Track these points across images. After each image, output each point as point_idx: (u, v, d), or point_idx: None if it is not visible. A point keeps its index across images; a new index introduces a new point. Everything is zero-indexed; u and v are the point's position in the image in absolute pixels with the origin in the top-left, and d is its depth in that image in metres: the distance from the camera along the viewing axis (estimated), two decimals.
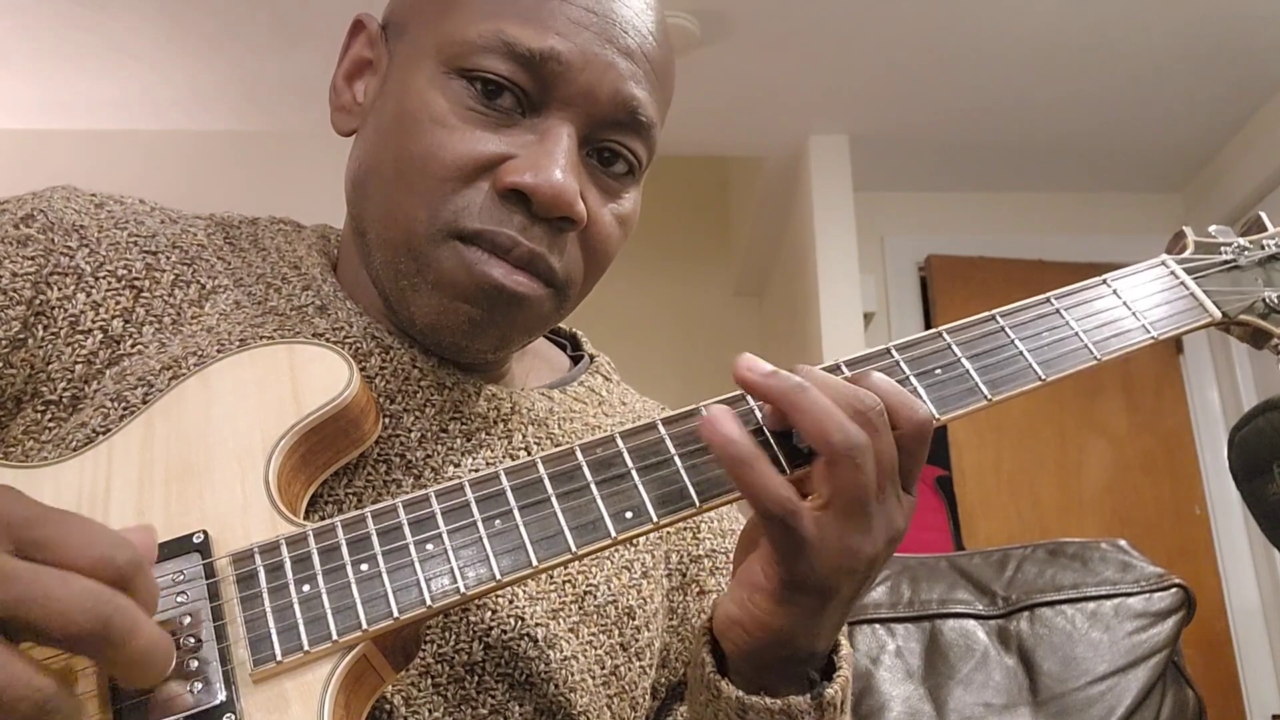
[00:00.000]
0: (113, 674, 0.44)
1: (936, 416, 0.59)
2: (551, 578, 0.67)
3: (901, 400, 0.55)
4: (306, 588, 0.52)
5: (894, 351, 0.61)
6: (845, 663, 0.60)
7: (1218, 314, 0.68)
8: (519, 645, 0.64)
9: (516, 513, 0.55)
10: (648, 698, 0.73)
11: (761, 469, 0.53)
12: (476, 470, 0.67)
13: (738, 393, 0.59)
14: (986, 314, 0.64)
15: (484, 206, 0.63)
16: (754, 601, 0.55)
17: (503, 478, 0.56)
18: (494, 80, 0.64)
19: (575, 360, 0.85)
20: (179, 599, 0.51)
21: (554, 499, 0.55)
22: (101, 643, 0.41)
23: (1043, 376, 0.62)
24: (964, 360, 0.61)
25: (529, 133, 0.64)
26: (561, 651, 0.66)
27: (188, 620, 0.50)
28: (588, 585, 0.69)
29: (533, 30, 0.64)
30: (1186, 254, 0.72)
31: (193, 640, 0.50)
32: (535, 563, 0.53)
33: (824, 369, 0.60)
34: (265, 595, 0.52)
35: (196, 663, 0.49)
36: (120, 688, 0.47)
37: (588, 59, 0.64)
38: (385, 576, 0.53)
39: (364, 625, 0.51)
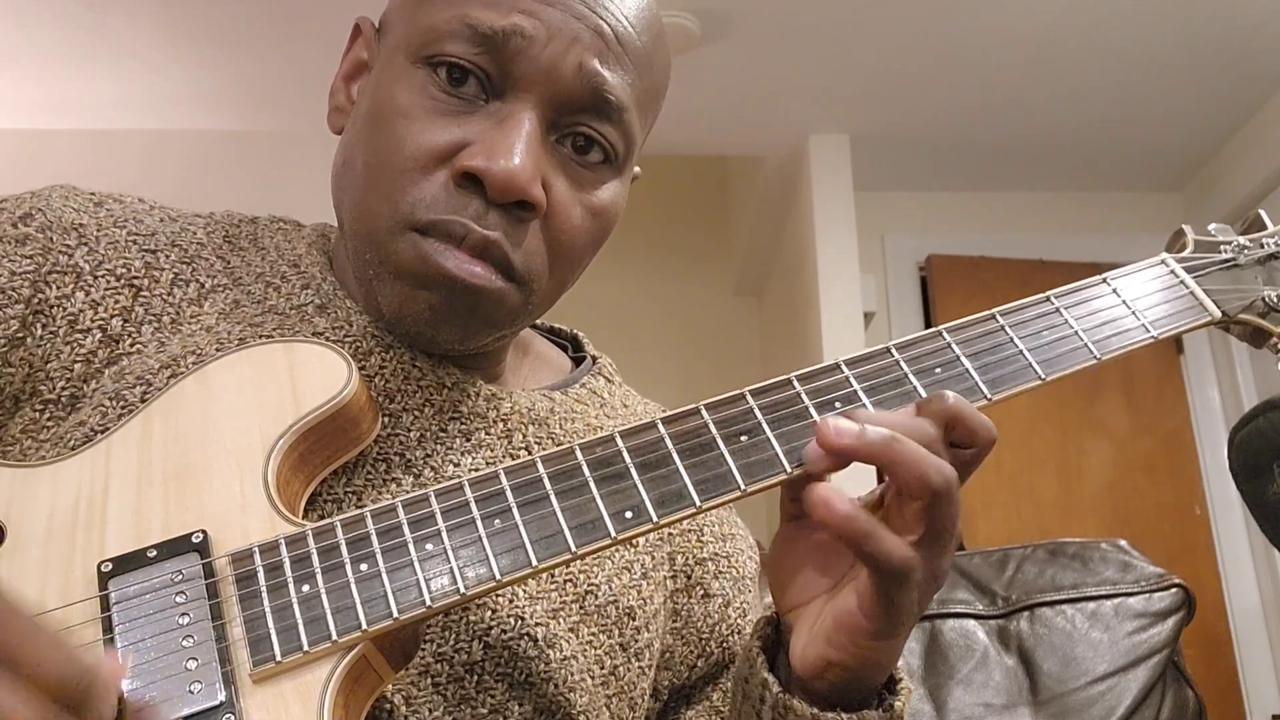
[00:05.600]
0: None
1: None
2: (552, 577, 0.67)
3: (971, 416, 0.57)
4: (306, 588, 0.52)
5: (894, 351, 0.61)
6: (903, 672, 0.61)
7: (1217, 313, 0.68)
8: (518, 645, 0.64)
9: (516, 512, 0.54)
10: (647, 698, 0.73)
11: (882, 536, 0.53)
12: (476, 470, 0.67)
13: (735, 393, 0.59)
14: (986, 313, 0.64)
15: (439, 196, 0.63)
16: (858, 644, 0.56)
17: (502, 477, 0.56)
18: (457, 65, 0.64)
19: (577, 362, 0.85)
20: (177, 599, 0.51)
21: (554, 498, 0.55)
22: None
23: (1042, 376, 0.62)
24: (964, 359, 0.61)
25: (490, 118, 0.64)
26: (561, 651, 0.65)
27: (186, 620, 0.50)
28: (588, 585, 0.69)
29: (496, 11, 0.63)
30: (1186, 253, 0.72)
31: (191, 640, 0.50)
32: (535, 562, 0.53)
33: (823, 369, 0.60)
34: (264, 595, 0.52)
35: (195, 663, 0.49)
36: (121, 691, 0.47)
37: (552, 34, 0.63)
38: (385, 576, 0.52)
39: (363, 625, 0.51)
